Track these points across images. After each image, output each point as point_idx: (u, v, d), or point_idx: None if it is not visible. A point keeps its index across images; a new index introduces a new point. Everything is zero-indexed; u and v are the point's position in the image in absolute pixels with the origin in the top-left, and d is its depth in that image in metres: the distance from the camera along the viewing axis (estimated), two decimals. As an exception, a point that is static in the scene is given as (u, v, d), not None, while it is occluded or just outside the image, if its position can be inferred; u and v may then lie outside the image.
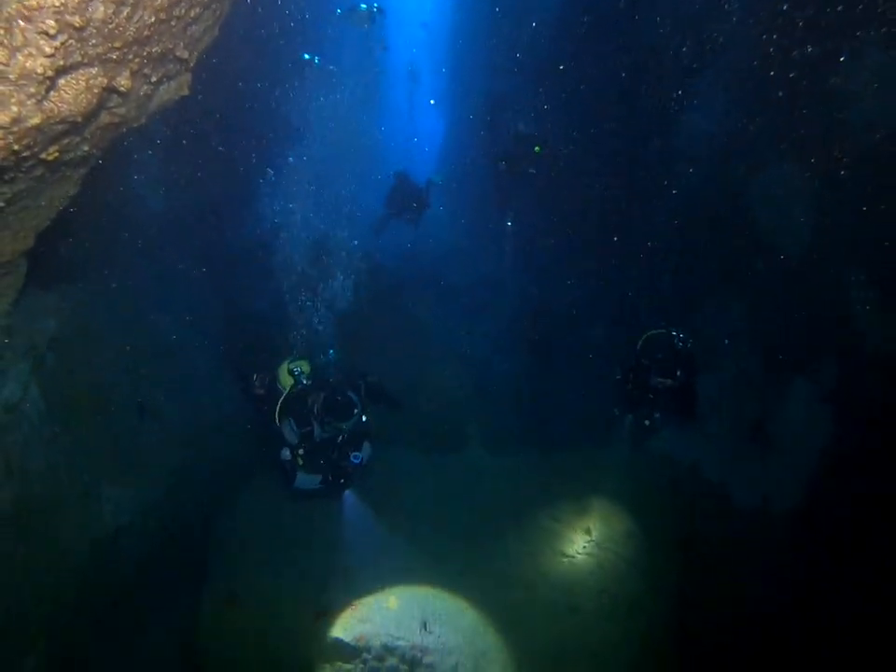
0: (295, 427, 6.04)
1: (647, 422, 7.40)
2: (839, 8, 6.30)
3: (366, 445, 6.25)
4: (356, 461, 6.04)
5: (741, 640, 6.65)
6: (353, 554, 6.88)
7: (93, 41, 2.51)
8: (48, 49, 2.30)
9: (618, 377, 7.46)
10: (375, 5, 9.85)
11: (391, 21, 16.02)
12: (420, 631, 6.13)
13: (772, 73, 7.15)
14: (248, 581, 6.60)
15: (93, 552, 5.75)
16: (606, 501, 7.65)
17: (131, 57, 2.85)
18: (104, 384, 6.34)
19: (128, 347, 6.75)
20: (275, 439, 6.19)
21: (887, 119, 6.33)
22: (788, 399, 7.86)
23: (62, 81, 2.55)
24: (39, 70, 2.32)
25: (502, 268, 11.88)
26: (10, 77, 2.28)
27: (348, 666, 6.02)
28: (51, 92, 2.53)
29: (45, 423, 5.41)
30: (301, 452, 6.01)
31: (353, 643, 6.10)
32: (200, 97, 3.78)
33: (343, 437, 6.08)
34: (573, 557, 7.05)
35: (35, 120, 2.52)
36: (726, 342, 8.42)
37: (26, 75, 2.31)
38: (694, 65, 8.05)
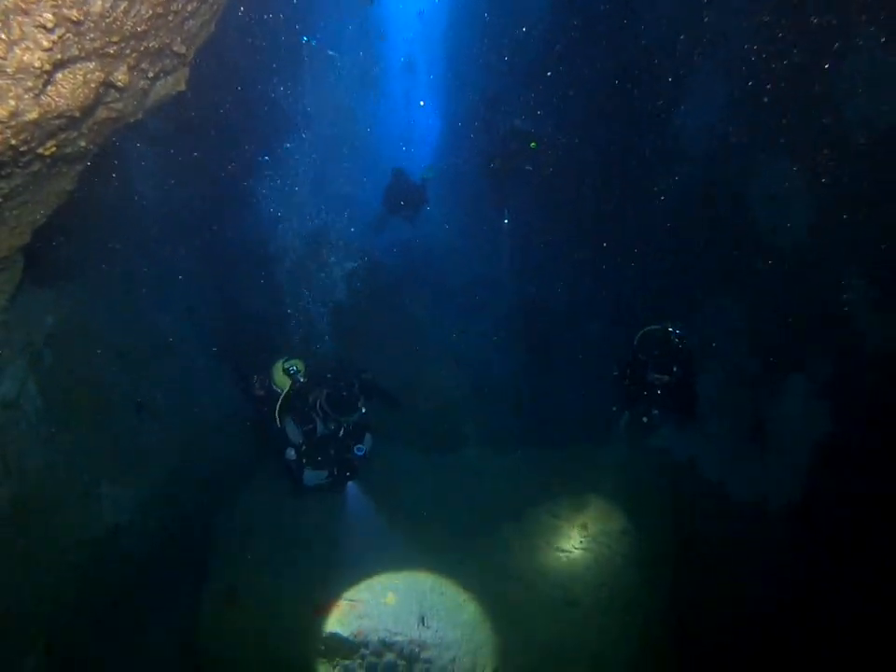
0: (298, 426, 6.10)
1: (645, 419, 7.41)
2: (836, 6, 6.32)
3: (367, 437, 6.38)
4: (359, 453, 6.20)
5: (738, 638, 6.67)
6: (354, 544, 6.91)
7: (91, 35, 2.51)
8: (45, 43, 2.30)
9: (615, 373, 7.48)
10: None
11: (388, 10, 16.00)
12: (418, 626, 6.15)
13: (769, 70, 7.16)
14: (248, 579, 6.60)
15: (93, 551, 5.76)
16: (603, 498, 7.66)
17: (128, 51, 2.85)
18: (102, 381, 6.34)
19: (126, 344, 6.74)
20: (277, 439, 6.25)
21: (885, 116, 6.34)
22: (786, 398, 7.88)
23: (59, 75, 2.55)
24: (37, 64, 2.32)
25: (499, 266, 11.89)
26: (8, 70, 2.28)
27: (346, 662, 6.04)
28: (49, 87, 2.53)
29: (42, 421, 5.40)
30: (305, 449, 6.10)
31: (351, 638, 6.12)
32: (198, 90, 3.77)
33: (347, 430, 6.17)
34: (570, 552, 7.07)
35: (33, 115, 2.52)
36: (714, 344, 8.41)
37: (24, 68, 2.31)
38: (694, 57, 8.05)
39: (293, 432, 6.17)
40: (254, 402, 6.60)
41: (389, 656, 6.03)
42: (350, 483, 6.75)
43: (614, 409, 7.96)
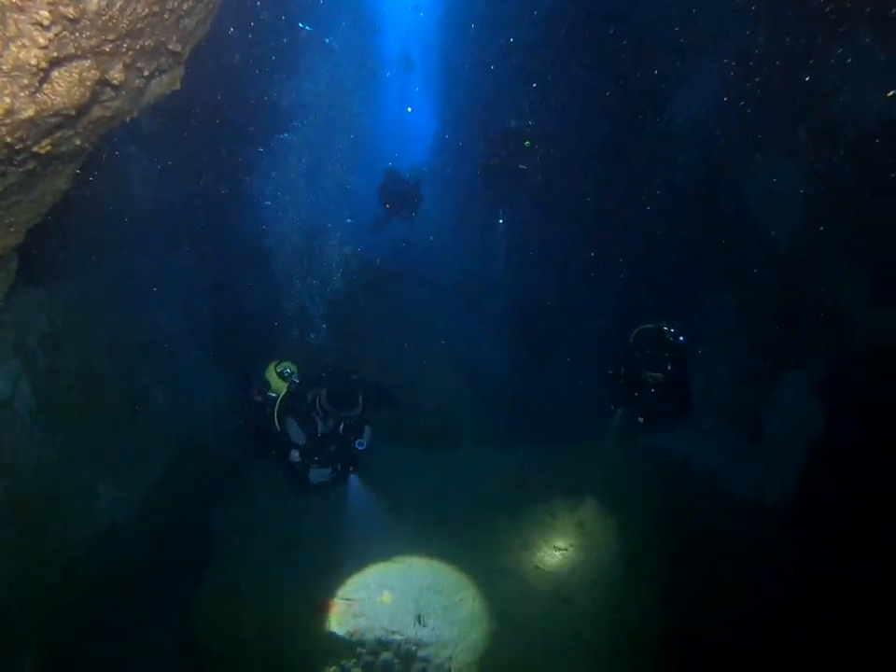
0: (300, 426, 6.13)
1: (640, 419, 7.44)
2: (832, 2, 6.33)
3: (367, 430, 6.44)
4: (361, 447, 6.28)
5: (733, 635, 6.69)
6: (356, 537, 6.94)
7: (87, 33, 2.50)
8: (41, 41, 2.29)
9: (609, 372, 7.50)
10: None
11: (383, 3, 15.94)
12: (414, 624, 6.15)
13: (765, 67, 7.18)
14: (248, 577, 6.59)
15: (91, 550, 5.75)
16: (599, 496, 7.68)
17: (124, 50, 2.84)
18: (96, 381, 6.31)
19: (120, 343, 6.72)
20: (278, 442, 6.29)
21: (880, 112, 6.35)
22: (782, 395, 7.90)
23: (55, 73, 2.54)
24: (33, 61, 2.31)
25: (494, 265, 11.90)
26: (4, 68, 2.27)
27: (343, 661, 6.03)
28: (45, 84, 2.52)
29: (37, 420, 5.39)
30: (308, 449, 6.15)
31: (347, 637, 6.11)
32: (193, 86, 3.76)
33: (347, 425, 6.24)
34: (566, 550, 7.09)
35: (29, 113, 2.51)
36: (707, 343, 8.43)
37: (20, 66, 2.30)
38: (691, 55, 8.07)
39: (295, 433, 6.23)
40: (253, 408, 6.63)
41: (386, 655, 6.03)
42: (352, 477, 6.82)
43: (612, 407, 7.98)
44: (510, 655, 6.09)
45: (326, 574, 6.58)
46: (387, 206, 10.75)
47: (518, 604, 6.49)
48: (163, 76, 3.49)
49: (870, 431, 6.62)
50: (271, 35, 8.47)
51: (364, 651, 6.06)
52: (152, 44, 3.04)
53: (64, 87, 2.61)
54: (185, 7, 3.08)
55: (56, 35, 2.35)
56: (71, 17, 2.34)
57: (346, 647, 6.06)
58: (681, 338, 7.00)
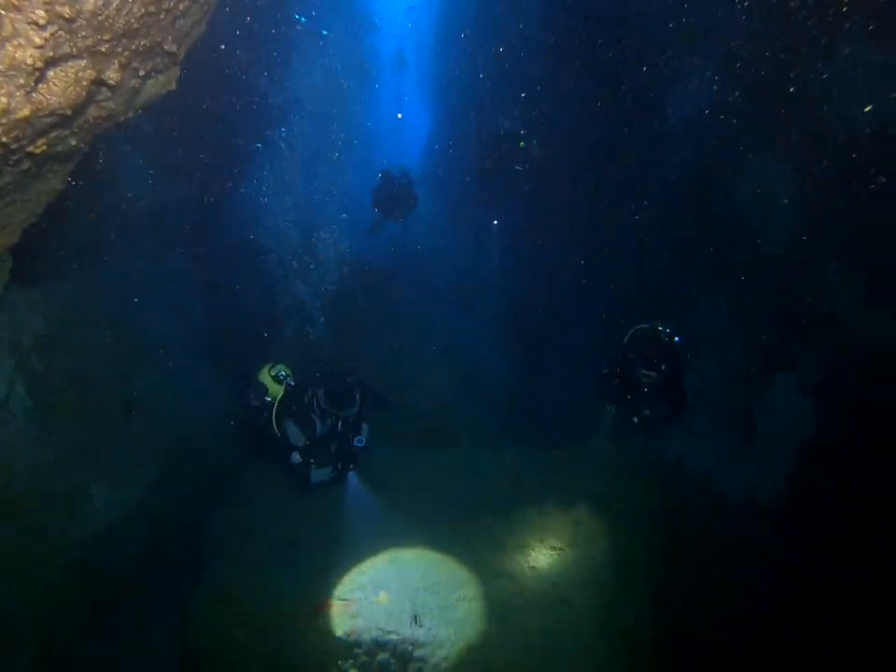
0: (299, 427, 6.14)
1: (635, 419, 7.46)
2: (824, 3, 6.38)
3: (364, 427, 6.48)
4: (359, 444, 6.32)
5: (726, 635, 6.72)
6: (356, 533, 6.94)
7: (83, 33, 2.51)
8: (37, 40, 2.30)
9: (604, 371, 7.53)
10: None
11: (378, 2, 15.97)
12: (410, 624, 6.15)
13: (758, 68, 7.22)
14: (246, 578, 6.57)
15: (89, 550, 5.74)
16: (593, 496, 7.71)
17: (120, 50, 2.84)
18: (91, 381, 6.30)
19: (115, 344, 6.70)
20: (277, 445, 6.29)
21: (873, 114, 6.39)
22: (774, 395, 7.94)
23: (51, 73, 2.54)
24: (29, 61, 2.31)
25: (489, 266, 11.92)
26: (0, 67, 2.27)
27: (339, 662, 6.02)
28: (40, 84, 2.52)
29: (31, 421, 5.37)
30: (309, 450, 6.16)
31: (344, 638, 6.11)
32: (188, 85, 3.77)
33: (346, 423, 6.26)
34: (562, 550, 7.11)
35: (25, 112, 2.51)
36: (703, 343, 8.46)
37: (15, 65, 2.30)
38: (683, 55, 8.11)
39: (295, 435, 6.25)
40: (250, 412, 6.63)
41: (382, 655, 6.02)
42: (351, 475, 6.86)
43: (608, 407, 8.01)
44: (506, 655, 6.09)
45: (324, 575, 6.57)
46: (377, 209, 10.79)
47: (514, 604, 6.50)
48: (159, 76, 3.50)
49: (862, 432, 6.66)
50: (266, 33, 8.48)
51: (361, 651, 6.05)
52: (148, 44, 3.04)
53: (60, 86, 2.61)
54: (181, 7, 3.08)
55: (52, 34, 2.35)
56: (67, 16, 2.34)
57: (343, 648, 6.06)
58: (676, 338, 7.04)
